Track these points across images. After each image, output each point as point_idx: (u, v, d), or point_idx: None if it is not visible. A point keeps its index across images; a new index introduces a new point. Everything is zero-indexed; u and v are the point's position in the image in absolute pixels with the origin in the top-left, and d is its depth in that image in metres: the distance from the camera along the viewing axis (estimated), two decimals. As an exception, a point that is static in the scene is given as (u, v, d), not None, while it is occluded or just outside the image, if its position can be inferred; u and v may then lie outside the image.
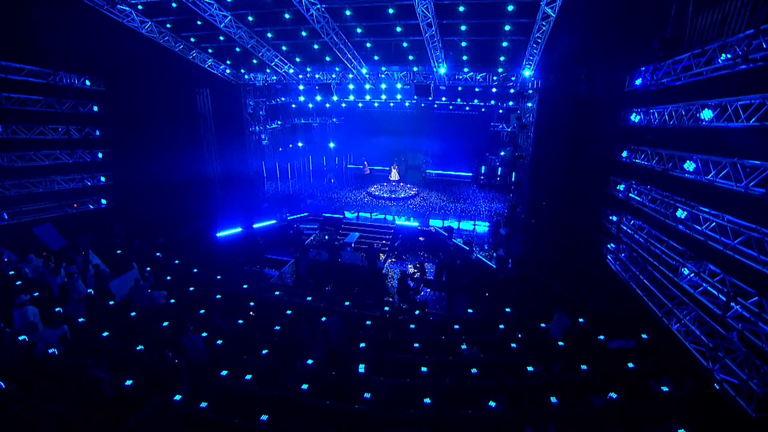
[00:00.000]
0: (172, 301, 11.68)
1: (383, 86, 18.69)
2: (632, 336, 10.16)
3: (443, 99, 20.99)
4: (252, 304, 12.26)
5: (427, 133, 25.75)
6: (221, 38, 14.70)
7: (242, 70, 18.47)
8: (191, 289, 12.67)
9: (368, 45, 14.55)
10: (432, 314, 13.67)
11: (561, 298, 12.59)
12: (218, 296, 12.28)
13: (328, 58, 16.32)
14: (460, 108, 23.39)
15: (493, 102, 20.71)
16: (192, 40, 15.21)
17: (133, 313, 10.43)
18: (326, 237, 18.84)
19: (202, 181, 18.67)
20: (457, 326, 11.42)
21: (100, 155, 15.31)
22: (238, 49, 15.58)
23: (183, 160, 17.46)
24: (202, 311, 11.26)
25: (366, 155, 28.04)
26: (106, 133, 15.17)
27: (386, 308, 12.59)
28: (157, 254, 15.21)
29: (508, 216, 18.97)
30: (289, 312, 11.77)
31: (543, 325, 11.21)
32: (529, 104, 15.76)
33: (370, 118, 25.53)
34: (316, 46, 15.08)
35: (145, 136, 16.05)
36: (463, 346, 10.05)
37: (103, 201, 15.89)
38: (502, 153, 23.93)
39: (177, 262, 14.91)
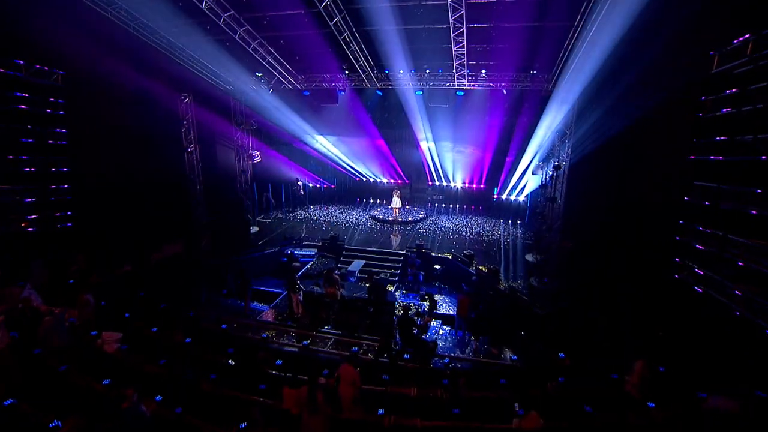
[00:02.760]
0: (125, 347, 8.78)
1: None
2: (738, 390, 7.50)
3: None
4: (231, 350, 9.34)
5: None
6: (207, 27, 12.42)
7: (229, 77, 16.24)
8: (154, 329, 9.80)
9: (379, 34, 12.32)
10: (459, 359, 10.88)
11: (629, 339, 9.87)
12: (188, 339, 9.38)
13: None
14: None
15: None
16: (170, 30, 12.97)
17: (64, 366, 7.50)
18: (325, 265, 16.11)
19: (181, 201, 16.02)
20: (503, 380, 8.64)
21: (54, 165, 12.50)
22: (227, 43, 13.31)
23: (159, 176, 14.86)
24: (163, 361, 8.35)
25: (366, 175, 25.70)
26: (62, 137, 12.47)
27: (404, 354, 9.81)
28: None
29: (536, 239, 16.48)
30: (279, 362, 8.91)
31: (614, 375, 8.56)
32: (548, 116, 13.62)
33: (372, 136, 23.19)
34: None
35: (113, 144, 13.46)
36: (520, 410, 7.28)
37: (58, 219, 12.92)
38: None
39: (142, 294, 12.05)
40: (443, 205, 24.20)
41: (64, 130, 12.33)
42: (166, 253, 14.64)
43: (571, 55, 11.50)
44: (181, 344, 9.38)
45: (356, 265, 14.79)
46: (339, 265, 16.03)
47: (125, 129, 13.60)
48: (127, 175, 13.72)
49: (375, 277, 13.83)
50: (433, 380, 8.98)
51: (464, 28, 10.85)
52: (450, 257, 15.79)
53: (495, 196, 22.68)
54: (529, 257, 16.18)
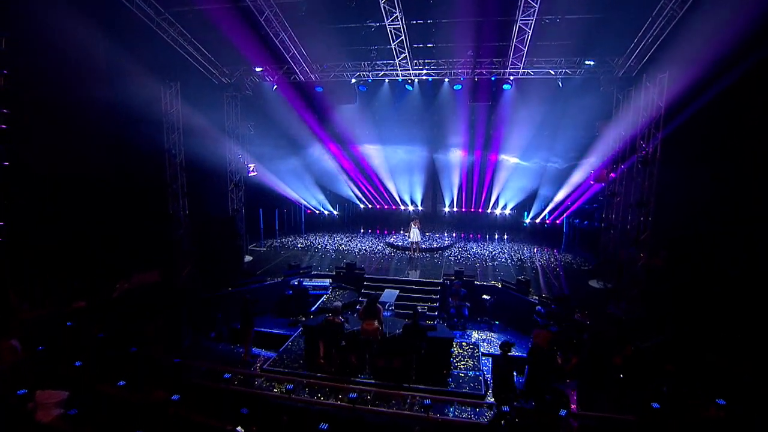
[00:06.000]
0: (73, 411, 5.58)
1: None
2: None
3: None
4: (246, 410, 6.21)
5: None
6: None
7: (227, 67, 13.87)
8: (121, 383, 6.60)
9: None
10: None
11: None
12: (175, 397, 6.20)
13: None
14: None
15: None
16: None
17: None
18: (345, 297, 13.15)
19: (159, 218, 12.98)
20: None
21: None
22: (231, 13, 10.95)
23: (132, 182, 11.95)
24: (137, 434, 5.19)
25: (375, 199, 23.24)
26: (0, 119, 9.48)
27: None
28: (69, 323, 9.10)
29: (603, 260, 14.13)
30: (325, 426, 5.81)
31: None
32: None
33: (392, 143, 21.10)
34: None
35: (70, 134, 10.55)
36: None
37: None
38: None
39: (102, 335, 8.79)
40: (462, 234, 21.66)
41: (4, 110, 9.37)
42: (136, 282, 11.39)
43: (663, 25, 9.76)
44: (163, 405, 6.21)
45: (389, 295, 11.92)
46: (360, 296, 13.15)
47: (90, 116, 10.78)
48: (88, 177, 10.75)
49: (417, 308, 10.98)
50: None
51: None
52: (499, 285, 13.15)
53: (527, 221, 20.46)
54: (593, 283, 13.75)
